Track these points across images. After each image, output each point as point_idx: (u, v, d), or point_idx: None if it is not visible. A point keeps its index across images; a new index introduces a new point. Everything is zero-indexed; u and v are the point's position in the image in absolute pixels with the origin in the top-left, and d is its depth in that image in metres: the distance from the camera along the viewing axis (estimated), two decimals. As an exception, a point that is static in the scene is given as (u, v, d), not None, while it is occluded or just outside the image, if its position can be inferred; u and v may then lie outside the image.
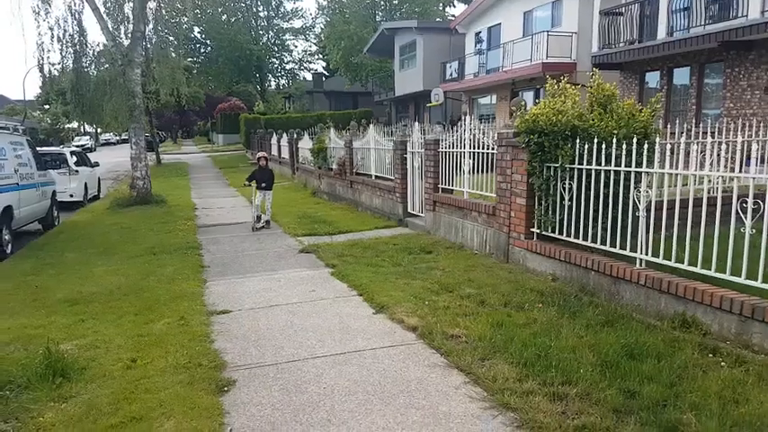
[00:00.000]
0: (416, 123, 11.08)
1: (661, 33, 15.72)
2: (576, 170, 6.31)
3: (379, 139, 12.92)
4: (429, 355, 4.73)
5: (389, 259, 8.19)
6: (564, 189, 6.50)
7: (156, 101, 26.66)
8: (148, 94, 23.07)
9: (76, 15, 16.85)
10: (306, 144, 20.24)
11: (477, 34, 28.23)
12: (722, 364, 4.14)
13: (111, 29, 16.82)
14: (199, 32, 50.51)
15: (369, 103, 47.62)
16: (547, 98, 6.95)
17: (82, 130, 66.77)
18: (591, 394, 3.80)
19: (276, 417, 3.82)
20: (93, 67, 17.49)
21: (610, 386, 3.86)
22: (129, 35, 17.08)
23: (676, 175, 5.65)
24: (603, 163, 5.92)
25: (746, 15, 13.00)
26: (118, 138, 66.68)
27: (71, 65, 16.98)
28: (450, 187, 9.56)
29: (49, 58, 17.23)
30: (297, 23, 56.11)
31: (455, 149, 9.17)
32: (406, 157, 11.11)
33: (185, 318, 5.89)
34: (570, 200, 6.40)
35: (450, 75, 29.49)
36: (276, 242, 10.37)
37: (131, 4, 16.91)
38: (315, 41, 57.53)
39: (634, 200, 5.58)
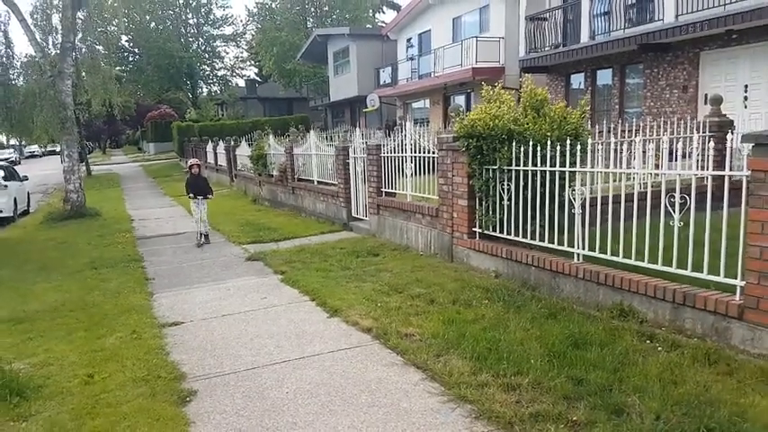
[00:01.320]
0: (358, 129, 11.24)
1: (584, 37, 16.52)
2: (513, 171, 6.59)
3: (320, 144, 13.00)
4: (386, 355, 4.88)
5: (338, 263, 8.30)
6: (503, 190, 6.77)
7: (88, 112, 25.86)
8: (79, 105, 22.36)
9: (2, 27, 16.38)
10: (244, 151, 20.04)
11: (409, 40, 28.73)
12: (659, 348, 4.43)
13: (39, 40, 16.31)
14: (127, 41, 49.18)
15: (304, 108, 47.47)
16: (483, 103, 7.23)
17: (6, 142, 63.60)
18: (542, 383, 4.01)
19: (242, 423, 3.88)
20: (21, 79, 16.86)
21: (559, 375, 4.09)
22: (59, 46, 16.53)
23: (607, 173, 6.04)
24: (539, 164, 6.21)
25: (662, 19, 13.85)
26: (43, 150, 64.01)
27: (-2, 77, 16.36)
28: (394, 190, 9.74)
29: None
30: (227, 30, 55.39)
31: (397, 154, 9.37)
32: (348, 162, 11.23)
33: (137, 331, 5.84)
34: (509, 200, 6.68)
35: (384, 80, 29.90)
36: (221, 251, 10.29)
37: (60, 15, 16.39)
38: (246, 48, 56.97)
39: (569, 198, 5.86)
